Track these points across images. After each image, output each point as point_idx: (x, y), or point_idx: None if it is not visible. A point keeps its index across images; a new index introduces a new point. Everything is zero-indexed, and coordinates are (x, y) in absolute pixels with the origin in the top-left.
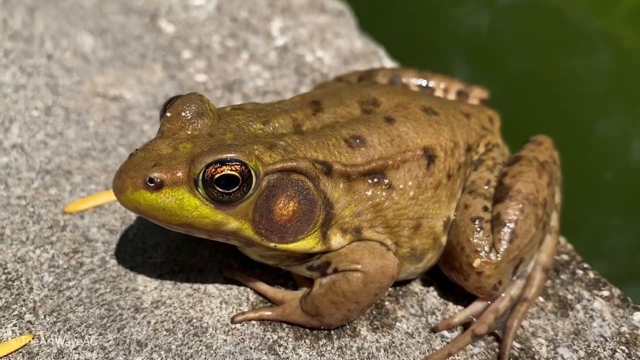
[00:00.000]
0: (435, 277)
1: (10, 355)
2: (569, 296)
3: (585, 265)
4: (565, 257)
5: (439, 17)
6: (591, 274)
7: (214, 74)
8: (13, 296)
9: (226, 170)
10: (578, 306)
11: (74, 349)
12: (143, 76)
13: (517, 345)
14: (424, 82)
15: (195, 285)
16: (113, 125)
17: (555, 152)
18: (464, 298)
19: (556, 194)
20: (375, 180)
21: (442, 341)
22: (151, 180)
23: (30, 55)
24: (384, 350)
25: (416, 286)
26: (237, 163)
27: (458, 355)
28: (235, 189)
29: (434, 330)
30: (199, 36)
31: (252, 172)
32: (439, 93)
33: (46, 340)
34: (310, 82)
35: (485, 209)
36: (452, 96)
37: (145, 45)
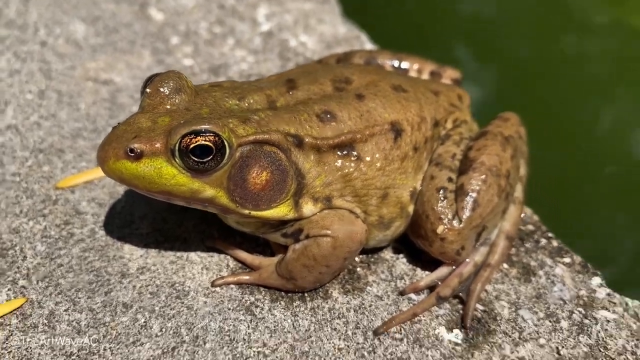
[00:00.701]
0: (405, 245)
1: (5, 317)
2: (532, 263)
3: (550, 235)
4: (530, 227)
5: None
6: (554, 243)
7: (200, 58)
8: (7, 264)
9: (200, 140)
10: (540, 272)
11: (64, 310)
12: (132, 61)
13: (480, 307)
14: (398, 63)
15: (179, 254)
16: (103, 107)
17: (521, 128)
18: (431, 264)
19: (521, 167)
20: (345, 152)
21: (409, 303)
22: (132, 150)
23: (24, 42)
24: (354, 311)
25: (387, 253)
26: (211, 134)
27: (423, 316)
28: (209, 158)
29: (401, 293)
30: (187, 23)
31: (226, 142)
32: (412, 73)
33: (39, 303)
34: (294, 65)
35: (450, 179)
36: (425, 76)
37: (135, 32)
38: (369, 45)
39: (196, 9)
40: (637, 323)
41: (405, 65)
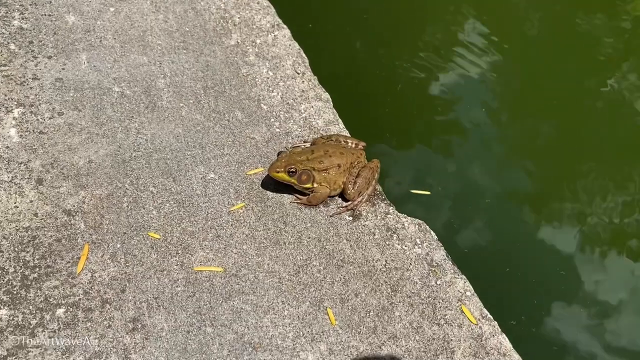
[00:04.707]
0: (340, 196)
1: (241, 208)
2: (375, 202)
3: (382, 194)
4: (378, 192)
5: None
6: (382, 197)
7: (281, 129)
8: (243, 198)
9: (292, 169)
10: (377, 205)
11: (263, 214)
12: (256, 132)
13: (358, 213)
14: (346, 139)
15: (284, 195)
16: (257, 148)
17: (379, 164)
18: (347, 200)
19: (376, 175)
20: (325, 171)
21: (340, 210)
22: (277, 170)
23: (222, 120)
24: (326, 211)
25: (336, 198)
26: (294, 167)
27: (343, 214)
28: (294, 173)
29: (339, 208)
30: (277, 112)
31: (297, 169)
32: (350, 143)
33: (252, 209)
34: (314, 133)
35: (353, 178)
36: (353, 144)
37: (258, 115)
38: (341, 125)
39: (279, 106)
40: (420, 227)
41: (348, 140)
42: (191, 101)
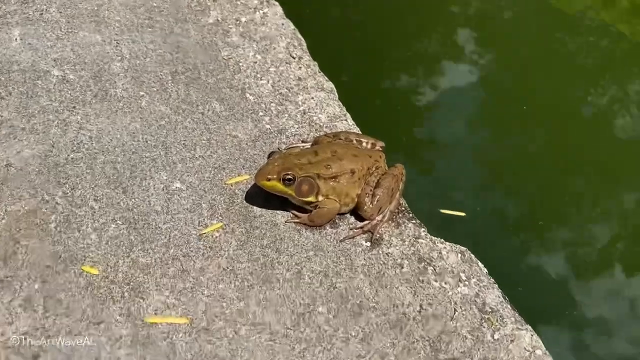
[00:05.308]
0: (353, 213)
1: (214, 231)
2: (400, 222)
3: (409, 211)
4: (403, 208)
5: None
6: (409, 215)
7: (273, 125)
8: (224, 211)
9: (288, 176)
10: (402, 225)
11: (246, 235)
12: (241, 127)
13: (378, 236)
14: (358, 138)
15: (276, 212)
16: (240, 148)
17: (403, 170)
18: (363, 219)
19: (400, 185)
20: (333, 179)
21: (353, 232)
22: (268, 178)
23: (194, 113)
24: (334, 234)
25: (347, 215)
26: (291, 174)
27: (357, 237)
28: (290, 181)
29: (351, 230)
30: (265, 103)
31: (295, 176)
32: (364, 144)
33: (232, 229)
34: (315, 130)
35: (371, 190)
36: (369, 144)
37: (242, 108)
38: (350, 121)
39: (270, 97)
40: (463, 256)
41: (362, 139)
42: (154, 89)
